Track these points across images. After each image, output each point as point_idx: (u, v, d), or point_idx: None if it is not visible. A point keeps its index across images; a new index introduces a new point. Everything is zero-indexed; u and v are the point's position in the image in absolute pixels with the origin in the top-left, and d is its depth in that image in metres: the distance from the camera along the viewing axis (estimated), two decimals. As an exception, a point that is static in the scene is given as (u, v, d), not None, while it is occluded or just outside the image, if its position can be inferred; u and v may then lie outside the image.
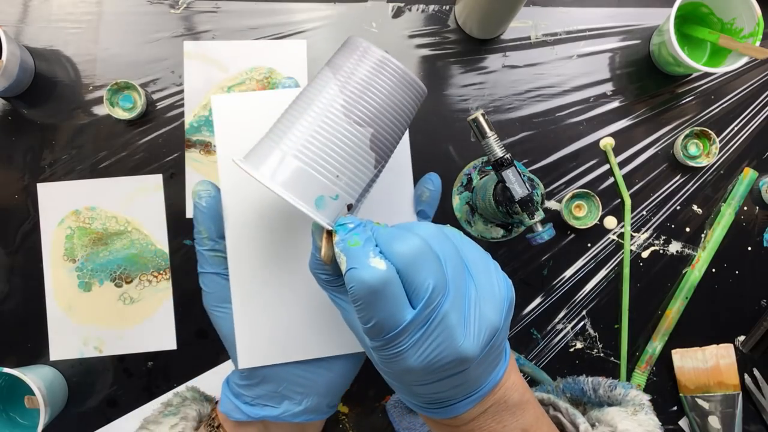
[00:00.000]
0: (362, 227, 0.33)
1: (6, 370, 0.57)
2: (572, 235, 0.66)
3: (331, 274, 0.36)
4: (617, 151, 0.67)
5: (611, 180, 0.67)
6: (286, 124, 0.35)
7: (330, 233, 0.34)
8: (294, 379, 0.43)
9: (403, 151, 0.44)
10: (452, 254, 0.33)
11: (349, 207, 0.35)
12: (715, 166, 0.67)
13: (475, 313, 0.33)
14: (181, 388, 0.51)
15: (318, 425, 0.48)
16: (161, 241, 0.65)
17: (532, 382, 0.66)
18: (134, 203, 0.65)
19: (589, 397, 0.50)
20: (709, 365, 0.66)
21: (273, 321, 0.42)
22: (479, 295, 0.34)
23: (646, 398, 0.47)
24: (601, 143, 0.66)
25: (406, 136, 0.43)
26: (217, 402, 0.47)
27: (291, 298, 0.43)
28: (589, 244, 0.67)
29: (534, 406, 0.39)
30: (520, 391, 0.38)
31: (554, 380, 0.65)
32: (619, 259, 0.66)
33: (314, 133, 0.34)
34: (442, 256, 0.33)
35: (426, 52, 0.66)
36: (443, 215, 0.65)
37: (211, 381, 0.64)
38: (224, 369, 0.64)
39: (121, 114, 0.63)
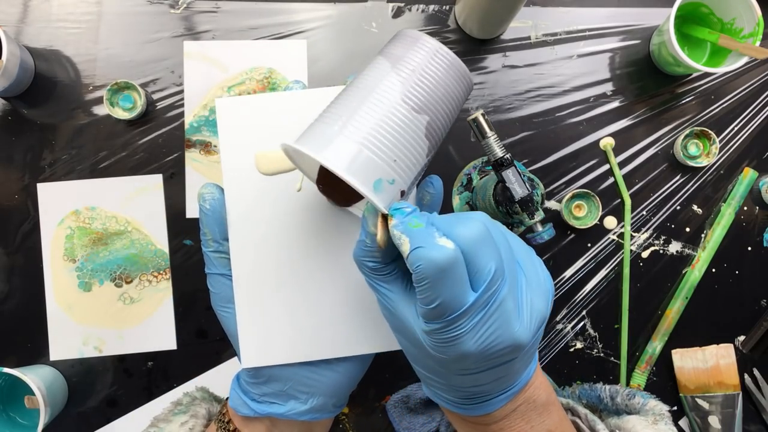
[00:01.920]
0: (419, 212, 0.34)
1: (6, 370, 0.57)
2: (572, 235, 0.66)
3: (379, 262, 0.36)
4: (617, 151, 0.67)
5: (611, 180, 0.67)
6: (343, 109, 0.35)
7: (385, 217, 0.34)
8: (299, 379, 0.43)
9: None
10: (505, 243, 0.34)
11: (402, 193, 0.35)
12: (715, 166, 0.67)
13: (527, 301, 0.34)
14: (190, 388, 0.52)
15: (325, 424, 0.48)
16: (161, 241, 0.65)
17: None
18: (134, 203, 0.65)
19: (605, 405, 0.50)
20: (709, 365, 0.66)
21: (276, 322, 0.43)
22: (528, 284, 0.34)
23: (665, 408, 0.47)
24: (601, 143, 0.66)
25: None
26: (227, 398, 0.47)
27: (294, 299, 0.43)
28: (589, 244, 0.67)
29: (558, 408, 0.39)
30: (547, 391, 0.38)
31: (553, 379, 0.65)
32: (619, 259, 0.66)
33: (373, 117, 0.34)
34: (498, 242, 0.33)
35: (426, 52, 0.66)
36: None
37: (212, 381, 0.64)
38: (224, 369, 0.65)
39: (121, 114, 0.63)
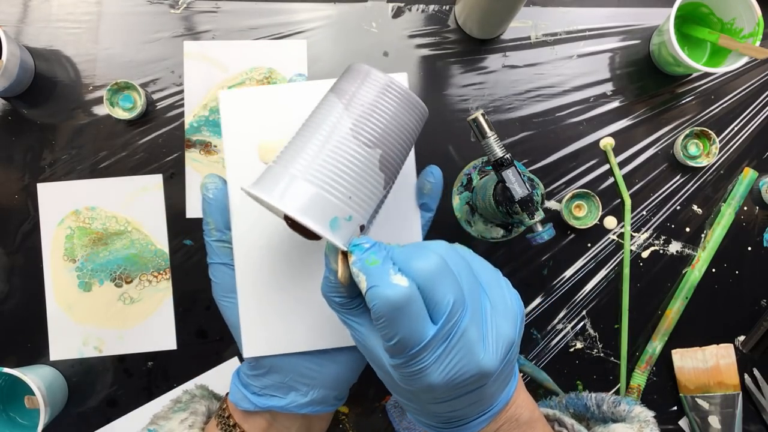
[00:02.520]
0: (378, 247, 0.34)
1: (6, 370, 0.57)
2: (572, 235, 0.66)
3: (345, 297, 0.36)
4: (617, 151, 0.67)
5: (611, 180, 0.67)
6: (295, 149, 0.36)
7: (345, 254, 0.35)
8: (300, 370, 0.43)
9: None
10: (466, 271, 0.34)
11: (362, 228, 0.36)
12: (715, 166, 0.67)
13: (492, 328, 0.34)
14: (190, 386, 0.52)
15: (326, 417, 0.48)
16: (161, 241, 0.65)
17: (533, 383, 0.66)
18: (134, 203, 0.65)
19: (592, 413, 0.50)
20: (709, 365, 0.66)
21: (278, 311, 0.43)
22: (494, 309, 0.34)
23: (650, 414, 0.47)
24: (601, 143, 0.66)
25: None
26: (227, 393, 0.48)
27: (296, 289, 0.43)
28: (589, 244, 0.67)
29: (543, 424, 0.39)
30: (530, 408, 0.38)
31: (554, 379, 0.65)
32: (619, 259, 0.66)
33: (325, 156, 0.35)
34: (457, 272, 0.33)
35: (426, 52, 0.66)
36: (443, 215, 0.65)
37: (212, 381, 0.64)
38: (224, 369, 0.64)
39: (121, 114, 0.63)
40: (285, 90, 0.42)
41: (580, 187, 0.66)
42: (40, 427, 0.57)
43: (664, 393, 0.67)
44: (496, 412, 0.36)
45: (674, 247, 0.67)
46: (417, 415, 0.37)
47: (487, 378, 0.33)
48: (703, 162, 0.65)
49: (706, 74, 0.67)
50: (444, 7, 0.67)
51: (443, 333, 0.32)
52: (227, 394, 0.47)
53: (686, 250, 0.67)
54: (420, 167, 0.66)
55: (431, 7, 0.66)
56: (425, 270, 0.32)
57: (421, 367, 0.32)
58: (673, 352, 0.66)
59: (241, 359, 0.45)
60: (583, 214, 0.65)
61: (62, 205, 0.64)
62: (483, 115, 0.49)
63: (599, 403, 0.50)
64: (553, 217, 0.66)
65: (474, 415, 0.36)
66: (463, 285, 0.33)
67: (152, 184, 0.65)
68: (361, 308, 0.36)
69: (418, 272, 0.32)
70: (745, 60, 0.59)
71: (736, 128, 0.67)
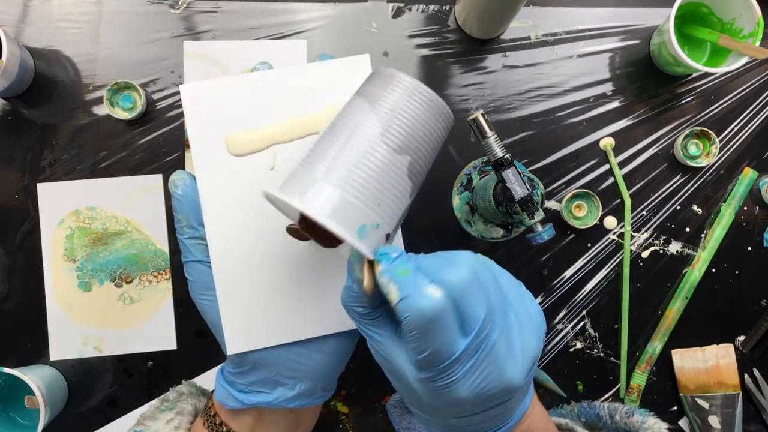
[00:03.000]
0: (406, 256, 0.33)
1: (6, 370, 0.57)
2: (572, 235, 0.66)
3: (367, 307, 0.35)
4: (617, 151, 0.67)
5: (611, 180, 0.67)
6: (321, 152, 0.35)
7: (371, 263, 0.34)
8: (285, 363, 0.42)
9: None
10: (493, 283, 0.33)
11: (387, 236, 0.35)
12: (715, 166, 0.67)
13: (519, 342, 0.33)
14: (180, 385, 0.52)
15: (314, 411, 0.47)
16: (161, 241, 0.65)
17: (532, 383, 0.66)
18: (134, 203, 0.65)
19: (605, 423, 0.50)
20: (709, 365, 0.66)
21: (259, 304, 0.42)
22: (519, 323, 0.34)
23: (664, 426, 0.46)
24: (601, 143, 0.66)
25: None
26: (213, 391, 0.47)
27: (276, 280, 0.42)
28: (589, 244, 0.67)
29: None
30: (543, 421, 0.38)
31: (554, 379, 0.65)
32: (619, 259, 0.66)
33: (354, 160, 0.34)
34: (486, 286, 0.32)
35: (426, 52, 0.66)
36: (443, 215, 0.65)
37: (212, 381, 0.64)
38: (224, 369, 0.65)
39: (121, 114, 0.63)
40: (250, 79, 0.41)
41: (580, 187, 0.66)
42: (41, 426, 0.57)
43: (664, 393, 0.67)
44: (513, 425, 0.36)
45: (674, 247, 0.67)
46: (434, 428, 0.37)
47: (514, 392, 0.33)
48: (703, 162, 0.65)
49: (706, 74, 0.67)
50: (444, 7, 0.67)
51: (473, 346, 0.31)
52: (213, 392, 0.46)
53: (686, 250, 0.67)
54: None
55: (431, 7, 0.66)
56: (457, 282, 0.31)
57: (450, 381, 0.31)
58: (673, 352, 0.66)
59: (224, 358, 0.44)
60: (583, 214, 0.65)
61: (62, 205, 0.64)
62: (483, 115, 0.49)
63: (612, 414, 0.49)
64: (553, 217, 0.66)
65: (491, 429, 0.35)
66: (491, 297, 0.32)
67: (152, 184, 0.65)
68: (383, 318, 0.35)
69: (451, 284, 0.31)
70: (745, 60, 0.59)
71: (736, 128, 0.67)
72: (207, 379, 0.64)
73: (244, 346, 0.42)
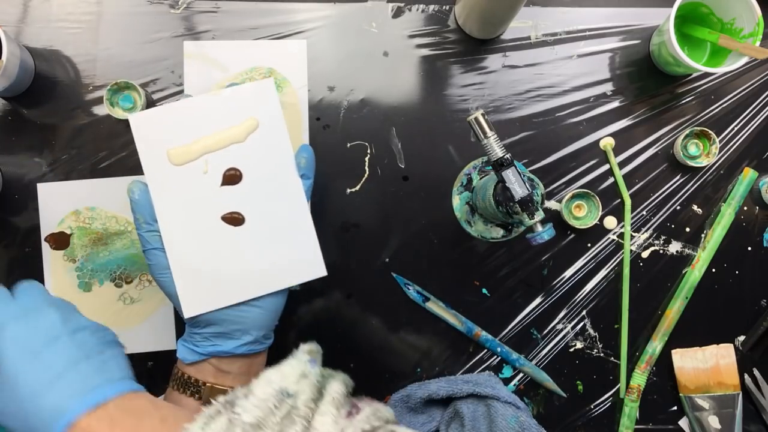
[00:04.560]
0: None
1: None
2: (572, 235, 0.66)
3: None
4: (617, 151, 0.67)
5: (611, 180, 0.67)
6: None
7: None
8: (232, 319, 0.52)
9: (279, 125, 0.54)
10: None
11: None
12: (715, 166, 0.67)
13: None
14: None
15: (261, 355, 0.55)
16: (161, 241, 0.65)
17: (532, 383, 0.66)
18: (134, 203, 0.64)
19: None
20: (709, 365, 0.66)
21: (205, 276, 0.52)
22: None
23: None
24: (601, 143, 0.66)
25: (277, 105, 0.54)
26: (176, 360, 0.55)
27: (216, 255, 0.53)
28: (589, 244, 0.67)
29: None
30: None
31: (554, 379, 0.65)
32: (619, 259, 0.66)
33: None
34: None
35: (426, 52, 0.66)
36: (443, 215, 0.65)
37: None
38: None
39: (121, 114, 0.63)
40: (180, 105, 0.53)
41: (580, 187, 0.66)
42: None
43: (664, 393, 0.67)
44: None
45: (674, 247, 0.67)
46: None
47: None
48: (703, 162, 0.65)
49: (706, 74, 0.67)
50: (444, 7, 0.67)
51: None
52: (176, 360, 0.55)
53: (686, 250, 0.67)
54: (420, 167, 0.67)
55: (431, 7, 0.66)
56: None
57: None
58: (673, 352, 0.66)
59: (184, 325, 0.55)
60: (583, 214, 0.65)
61: (62, 205, 0.64)
62: (483, 115, 0.49)
63: None
64: (553, 217, 0.66)
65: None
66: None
67: (152, 184, 0.65)
68: None
69: None
70: (745, 60, 0.59)
71: (736, 128, 0.67)
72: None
73: (197, 310, 0.52)
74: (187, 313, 0.52)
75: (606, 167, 0.67)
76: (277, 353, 0.52)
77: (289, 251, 0.54)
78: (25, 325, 0.42)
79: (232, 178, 0.53)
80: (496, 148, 0.50)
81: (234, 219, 0.53)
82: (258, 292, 0.53)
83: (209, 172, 0.53)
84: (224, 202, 0.53)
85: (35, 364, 0.40)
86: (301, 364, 0.42)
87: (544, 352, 0.66)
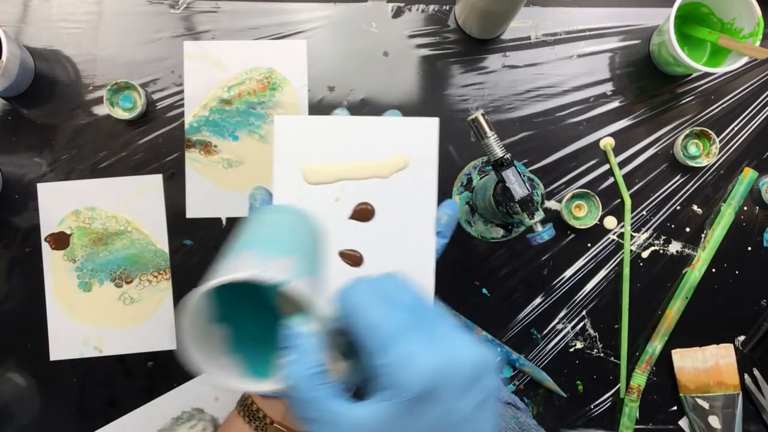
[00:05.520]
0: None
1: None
2: (572, 235, 0.66)
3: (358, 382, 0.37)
4: (617, 151, 0.67)
5: (611, 180, 0.67)
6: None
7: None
8: None
9: (430, 171, 0.48)
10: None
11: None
12: (715, 166, 0.67)
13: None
14: (187, 408, 0.53)
15: None
16: (161, 241, 0.65)
17: (532, 383, 0.66)
18: (134, 203, 0.65)
19: None
20: (709, 365, 0.66)
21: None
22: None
23: None
24: (601, 143, 0.66)
25: (434, 151, 0.48)
26: None
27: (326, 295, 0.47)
28: (589, 244, 0.67)
29: None
30: None
31: (553, 379, 0.65)
32: (619, 259, 0.66)
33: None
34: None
35: (426, 52, 0.66)
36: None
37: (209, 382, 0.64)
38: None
39: (121, 114, 0.63)
40: (331, 121, 0.48)
41: (580, 187, 0.66)
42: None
43: (664, 393, 0.67)
44: None
45: (674, 247, 0.67)
46: None
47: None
48: (703, 162, 0.65)
49: (706, 74, 0.67)
50: (444, 7, 0.67)
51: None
52: None
53: (686, 250, 0.67)
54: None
55: (431, 7, 0.66)
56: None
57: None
58: (673, 352, 0.66)
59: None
60: (583, 214, 0.65)
61: (62, 205, 0.64)
62: (483, 115, 0.49)
63: None
64: (553, 217, 0.66)
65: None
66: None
67: (152, 184, 0.65)
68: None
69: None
70: (745, 60, 0.59)
71: (736, 128, 0.67)
72: (206, 380, 0.64)
73: None
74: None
75: (606, 167, 0.67)
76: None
77: None
78: None
79: (363, 213, 0.47)
80: (496, 148, 0.50)
81: (353, 257, 0.47)
82: None
83: (341, 200, 0.47)
84: (347, 236, 0.47)
85: None
86: None
87: (544, 352, 0.66)
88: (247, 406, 0.47)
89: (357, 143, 0.47)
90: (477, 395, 0.31)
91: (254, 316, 0.42)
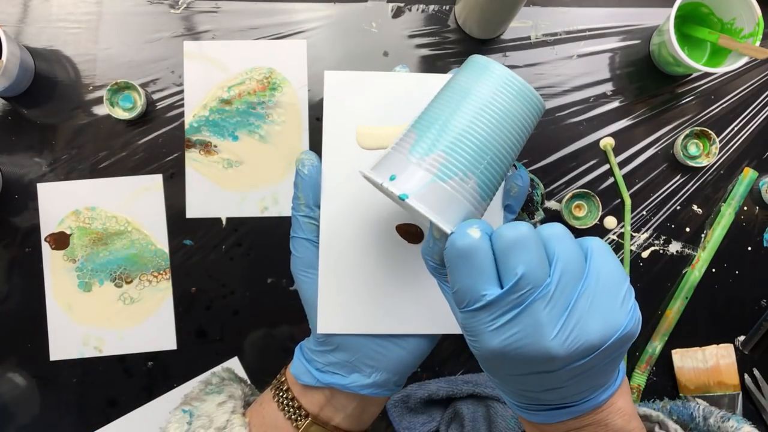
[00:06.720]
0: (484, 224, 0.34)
1: None
2: (572, 235, 0.66)
3: (437, 262, 0.36)
4: (617, 151, 0.67)
5: (611, 180, 0.67)
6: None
7: None
8: (367, 351, 0.44)
9: None
10: (572, 259, 0.33)
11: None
12: (715, 166, 0.67)
13: (575, 323, 0.33)
14: (217, 369, 0.52)
15: (381, 402, 0.48)
16: (161, 241, 0.65)
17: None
18: (134, 203, 0.65)
19: (697, 424, 0.49)
20: (709, 365, 0.66)
21: (357, 292, 0.43)
22: (590, 309, 0.34)
23: None
24: (601, 143, 0.66)
25: None
26: (285, 366, 0.48)
27: (377, 272, 0.44)
28: (589, 244, 0.66)
29: None
30: (625, 418, 0.37)
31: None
32: (619, 259, 0.66)
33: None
34: (556, 255, 0.32)
35: (426, 52, 0.66)
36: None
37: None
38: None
39: (121, 114, 0.63)
40: (388, 78, 0.43)
41: (580, 187, 0.66)
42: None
43: (664, 393, 0.67)
44: (581, 411, 0.36)
45: (674, 247, 0.67)
46: (498, 386, 0.37)
47: (553, 363, 0.32)
48: (703, 162, 0.65)
49: (706, 74, 0.67)
50: (444, 7, 0.67)
51: (506, 301, 0.31)
52: (285, 366, 0.48)
53: (686, 250, 0.67)
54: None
55: (431, 7, 0.66)
56: (506, 236, 0.32)
57: (480, 328, 0.32)
58: (673, 352, 0.66)
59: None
60: (583, 214, 0.65)
61: (62, 205, 0.64)
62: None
63: (706, 416, 0.49)
64: (553, 217, 0.66)
65: (553, 404, 0.35)
66: (555, 269, 0.32)
67: (152, 184, 0.65)
68: None
69: (499, 237, 0.32)
70: (745, 60, 0.59)
71: (736, 128, 0.67)
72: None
73: (334, 328, 0.43)
74: (322, 329, 0.43)
75: (606, 167, 0.67)
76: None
77: None
78: None
79: None
80: (496, 148, 0.50)
81: (411, 233, 0.43)
82: (411, 329, 0.44)
83: None
84: (404, 210, 0.43)
85: None
86: None
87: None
88: (282, 391, 0.46)
89: (417, 104, 0.41)
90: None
91: None
